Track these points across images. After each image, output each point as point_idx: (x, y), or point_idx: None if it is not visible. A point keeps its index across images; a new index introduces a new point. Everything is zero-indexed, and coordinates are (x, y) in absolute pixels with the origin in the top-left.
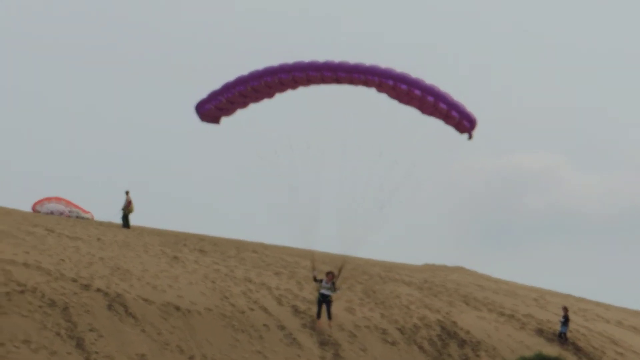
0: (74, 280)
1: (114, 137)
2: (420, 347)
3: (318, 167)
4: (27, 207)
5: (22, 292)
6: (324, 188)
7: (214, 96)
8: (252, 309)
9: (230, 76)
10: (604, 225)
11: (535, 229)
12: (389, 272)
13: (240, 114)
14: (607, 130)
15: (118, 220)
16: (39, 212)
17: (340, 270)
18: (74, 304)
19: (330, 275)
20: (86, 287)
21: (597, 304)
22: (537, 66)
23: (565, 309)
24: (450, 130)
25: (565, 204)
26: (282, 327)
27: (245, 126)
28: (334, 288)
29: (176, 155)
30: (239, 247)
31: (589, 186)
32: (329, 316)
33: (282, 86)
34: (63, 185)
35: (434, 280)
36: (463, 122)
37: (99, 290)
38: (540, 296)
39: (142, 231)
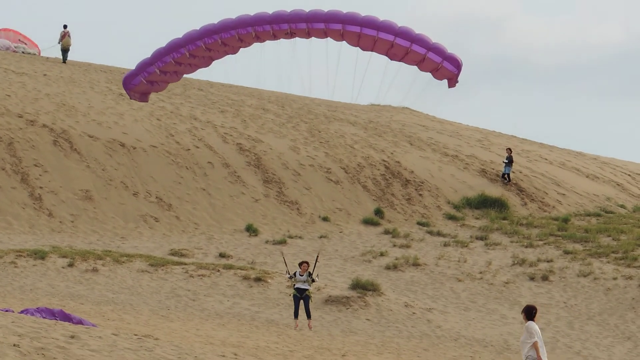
0: (20, 116)
1: None
2: (364, 186)
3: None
4: None
5: None
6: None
7: (143, 67)
8: (197, 147)
9: None
10: (551, 72)
11: (483, 73)
12: (334, 111)
13: None
14: None
15: (59, 55)
16: None
17: (316, 260)
18: (19, 139)
19: (305, 265)
20: (32, 122)
21: (541, 145)
22: None
23: (509, 150)
24: None
25: (513, 50)
26: (226, 165)
27: None
28: (311, 279)
29: None
30: (185, 85)
31: (538, 33)
32: (308, 315)
33: (226, 47)
34: (14, 16)
35: (379, 120)
36: (445, 65)
37: (44, 126)
38: (485, 137)
39: (89, 67)
